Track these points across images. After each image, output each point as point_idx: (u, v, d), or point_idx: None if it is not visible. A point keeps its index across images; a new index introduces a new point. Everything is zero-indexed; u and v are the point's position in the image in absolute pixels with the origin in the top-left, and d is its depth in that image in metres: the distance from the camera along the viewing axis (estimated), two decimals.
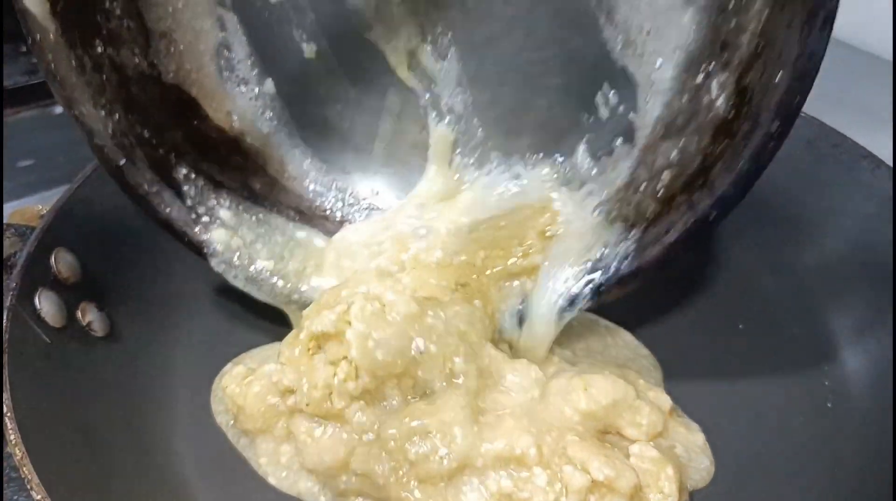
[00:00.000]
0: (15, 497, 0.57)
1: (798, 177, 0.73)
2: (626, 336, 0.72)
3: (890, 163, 0.68)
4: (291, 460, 0.61)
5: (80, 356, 0.59)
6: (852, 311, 0.68)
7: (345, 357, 0.56)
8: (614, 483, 0.54)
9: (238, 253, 0.65)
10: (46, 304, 0.58)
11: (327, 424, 0.59)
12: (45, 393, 0.54)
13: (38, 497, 0.46)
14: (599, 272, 0.61)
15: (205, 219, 0.65)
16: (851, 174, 0.70)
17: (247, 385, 0.61)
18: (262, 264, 0.66)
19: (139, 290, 0.67)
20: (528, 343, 0.65)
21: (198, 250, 0.65)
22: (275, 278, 0.66)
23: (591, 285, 0.61)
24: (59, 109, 0.97)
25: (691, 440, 0.63)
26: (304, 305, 0.63)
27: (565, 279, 0.62)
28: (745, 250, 0.75)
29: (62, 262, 0.61)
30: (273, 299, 0.66)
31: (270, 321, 0.68)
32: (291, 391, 0.58)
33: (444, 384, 0.59)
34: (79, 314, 0.61)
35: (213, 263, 0.65)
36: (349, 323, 0.57)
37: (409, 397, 0.59)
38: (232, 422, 0.63)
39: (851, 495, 0.58)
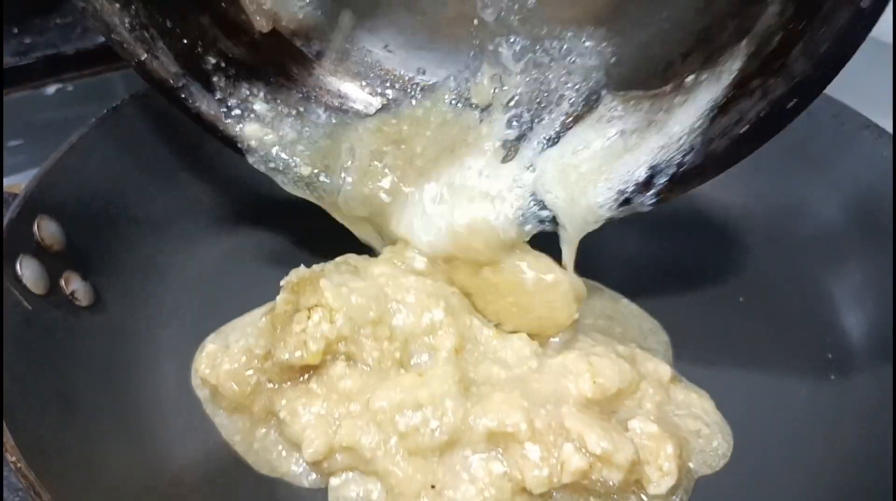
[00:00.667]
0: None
1: (798, 147, 0.71)
2: (631, 306, 0.71)
3: None
4: (268, 442, 0.60)
5: (63, 324, 0.58)
6: (852, 279, 0.67)
7: (319, 304, 0.56)
8: (612, 456, 0.53)
9: (276, 149, 0.62)
10: (28, 271, 0.57)
11: (310, 400, 0.57)
12: (25, 359, 0.53)
13: (13, 458, 0.44)
14: (661, 165, 0.54)
15: (237, 112, 0.61)
16: (852, 144, 0.69)
17: (218, 365, 0.59)
18: (304, 168, 0.62)
19: (124, 261, 0.66)
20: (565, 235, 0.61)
21: (232, 145, 0.62)
22: (322, 176, 0.62)
23: (652, 180, 0.54)
24: (49, 90, 0.97)
25: (701, 406, 0.62)
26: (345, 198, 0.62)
27: (626, 171, 0.56)
28: (745, 221, 0.74)
29: (45, 230, 0.60)
30: (318, 199, 0.64)
31: (255, 290, 0.67)
32: (269, 357, 0.58)
33: (429, 339, 0.58)
34: (62, 282, 0.60)
35: (251, 160, 0.62)
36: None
37: (391, 361, 0.58)
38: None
39: (853, 467, 0.57)
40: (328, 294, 0.57)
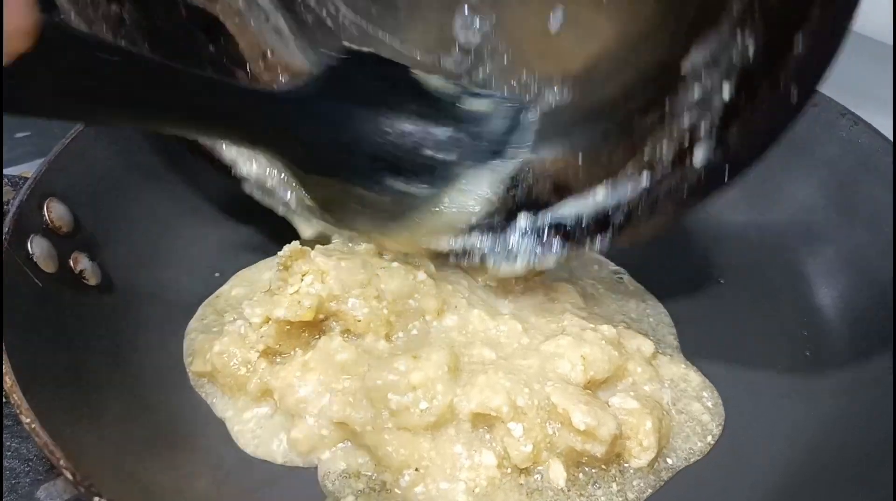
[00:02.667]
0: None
1: None
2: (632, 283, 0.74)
3: None
4: (257, 422, 0.62)
5: (73, 301, 0.60)
6: (826, 260, 0.70)
7: (310, 271, 0.60)
8: (595, 431, 0.56)
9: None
10: (38, 249, 0.59)
11: (305, 374, 0.60)
12: (37, 332, 0.55)
13: (27, 420, 0.47)
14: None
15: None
16: (830, 131, 0.72)
17: (209, 348, 0.62)
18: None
19: (131, 242, 0.68)
20: None
21: (226, 173, 0.67)
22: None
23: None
24: None
25: (688, 379, 0.65)
26: None
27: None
28: (725, 206, 0.76)
29: (54, 211, 0.62)
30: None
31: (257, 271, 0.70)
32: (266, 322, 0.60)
33: (414, 302, 0.61)
34: (71, 262, 0.62)
35: (246, 188, 0.67)
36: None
37: (381, 320, 0.61)
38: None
39: (827, 436, 0.60)
40: (319, 260, 0.61)
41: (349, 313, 0.60)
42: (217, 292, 0.70)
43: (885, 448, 0.53)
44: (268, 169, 0.67)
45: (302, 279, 0.60)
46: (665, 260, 0.74)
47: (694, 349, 0.68)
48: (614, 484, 0.57)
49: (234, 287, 0.71)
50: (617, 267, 0.76)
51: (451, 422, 0.58)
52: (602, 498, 0.56)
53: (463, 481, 0.56)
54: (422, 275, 0.63)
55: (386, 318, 0.61)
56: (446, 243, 0.65)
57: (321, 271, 0.60)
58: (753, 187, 0.75)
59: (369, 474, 0.57)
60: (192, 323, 0.67)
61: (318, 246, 0.64)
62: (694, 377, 0.65)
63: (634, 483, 0.57)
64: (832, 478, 0.56)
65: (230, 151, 0.67)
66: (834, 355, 0.65)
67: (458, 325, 0.64)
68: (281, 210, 0.69)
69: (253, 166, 0.67)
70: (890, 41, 0.91)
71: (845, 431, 0.59)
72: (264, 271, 0.72)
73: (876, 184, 0.67)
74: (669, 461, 0.59)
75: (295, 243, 0.62)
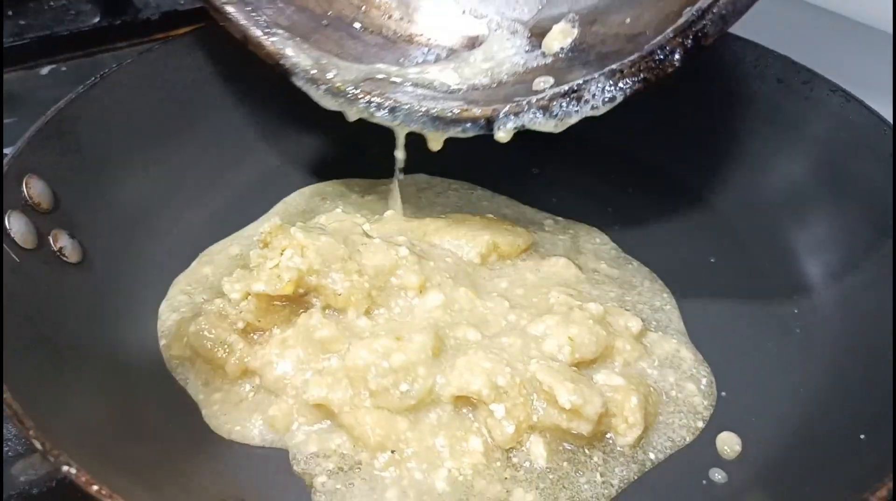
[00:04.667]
0: None
1: (771, 111, 0.74)
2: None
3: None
4: (229, 403, 0.60)
5: (52, 278, 0.60)
6: (816, 237, 0.70)
7: (291, 246, 0.60)
8: (581, 409, 0.55)
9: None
10: (17, 225, 0.59)
11: (285, 351, 0.59)
12: (12, 307, 0.54)
13: None
14: None
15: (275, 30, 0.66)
16: (820, 108, 0.71)
17: (186, 331, 0.61)
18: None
19: (111, 221, 0.67)
20: None
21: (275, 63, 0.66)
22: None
23: None
24: (44, 70, 0.99)
25: (680, 355, 0.64)
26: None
27: None
28: (718, 183, 0.76)
29: (34, 188, 0.62)
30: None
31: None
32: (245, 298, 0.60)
33: (396, 279, 0.61)
34: (51, 239, 0.61)
35: (295, 80, 0.66)
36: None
37: (362, 294, 0.60)
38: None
39: (817, 410, 0.59)
40: (299, 235, 0.60)
41: (329, 287, 0.59)
42: (186, 271, 0.69)
43: (875, 427, 0.53)
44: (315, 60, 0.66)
45: (282, 254, 0.59)
46: (658, 239, 0.74)
47: (687, 328, 0.67)
48: (598, 475, 0.56)
49: (204, 265, 0.70)
50: (615, 245, 0.74)
51: (432, 405, 0.57)
52: (585, 486, 0.55)
53: (447, 468, 0.55)
54: (403, 251, 0.63)
55: (367, 292, 0.60)
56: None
57: (301, 246, 0.60)
58: (744, 165, 0.75)
59: (344, 453, 0.56)
60: (164, 304, 0.66)
61: (298, 223, 0.64)
62: (686, 354, 0.64)
63: (616, 470, 0.56)
64: (822, 456, 0.55)
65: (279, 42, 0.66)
66: (824, 332, 0.64)
67: (443, 304, 0.63)
68: (326, 101, 0.66)
69: (301, 57, 0.66)
70: (890, 30, 0.90)
71: (835, 409, 0.58)
72: (231, 246, 0.71)
73: (867, 160, 0.67)
74: (658, 442, 0.58)
75: (275, 220, 0.62)
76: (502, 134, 0.62)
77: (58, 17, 1.01)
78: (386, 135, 0.67)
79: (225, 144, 0.78)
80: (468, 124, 0.63)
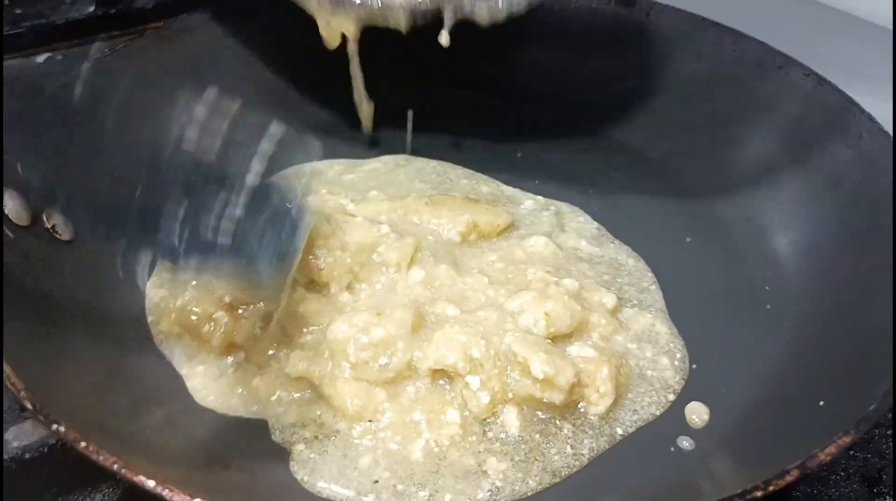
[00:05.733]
0: None
1: (746, 95, 0.76)
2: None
3: (891, 132, 0.68)
4: (212, 376, 0.62)
5: (44, 254, 0.62)
6: (788, 213, 0.71)
7: None
8: (553, 379, 0.57)
9: None
10: (11, 202, 0.61)
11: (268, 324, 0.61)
12: (9, 283, 0.56)
13: None
14: None
15: None
16: (794, 91, 0.73)
17: (174, 307, 0.63)
18: None
19: (104, 202, 0.69)
20: None
21: None
22: None
23: None
24: (40, 59, 1.01)
25: (655, 329, 0.66)
26: None
27: None
28: (692, 164, 0.78)
29: (27, 167, 0.64)
30: None
31: None
32: None
33: (378, 256, 0.64)
34: (44, 217, 0.63)
35: None
36: None
37: (344, 269, 0.62)
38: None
39: (784, 381, 0.61)
40: None
41: (312, 262, 0.61)
42: None
43: (833, 393, 0.54)
44: None
45: None
46: (636, 219, 0.76)
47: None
48: (568, 447, 0.58)
49: None
50: (598, 224, 0.76)
51: (410, 378, 0.59)
52: (556, 457, 0.57)
53: (424, 439, 0.57)
54: (385, 228, 0.64)
55: (349, 267, 0.62)
56: None
57: None
58: (717, 146, 0.77)
59: (322, 423, 0.58)
60: (150, 280, 0.67)
61: None
62: (662, 329, 0.66)
63: (586, 441, 0.58)
64: (784, 421, 0.57)
65: None
66: (792, 307, 0.66)
67: (424, 280, 0.65)
68: None
69: None
70: (890, 26, 0.91)
71: (798, 378, 0.60)
72: None
73: (837, 140, 0.68)
74: (628, 415, 0.60)
75: None
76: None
77: (53, 5, 1.01)
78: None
79: None
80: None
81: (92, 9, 1.01)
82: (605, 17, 0.84)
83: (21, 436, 0.55)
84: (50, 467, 0.55)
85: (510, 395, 0.58)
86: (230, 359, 0.62)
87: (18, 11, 1.02)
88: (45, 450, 0.55)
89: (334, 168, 0.81)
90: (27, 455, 0.54)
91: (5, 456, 0.54)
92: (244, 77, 0.80)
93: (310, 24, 0.73)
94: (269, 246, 0.57)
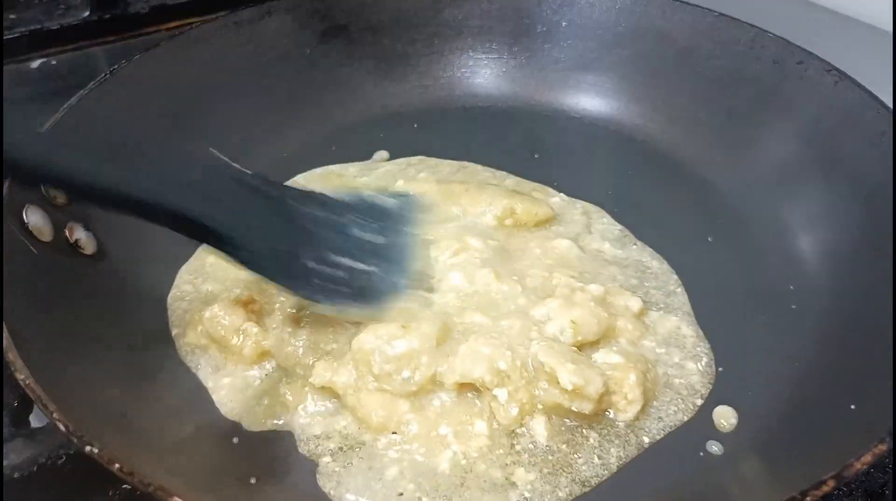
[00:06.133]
0: None
1: (766, 92, 0.75)
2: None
3: None
4: (238, 387, 0.62)
5: (68, 269, 0.62)
6: (810, 211, 0.71)
7: None
8: (583, 390, 0.57)
9: None
10: (34, 218, 0.61)
11: (297, 329, 0.62)
12: (33, 298, 0.57)
13: (22, 377, 0.49)
14: None
15: None
16: (814, 87, 0.72)
17: (200, 319, 0.63)
18: None
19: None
20: None
21: None
22: None
23: None
24: (34, 64, 1.00)
25: (681, 332, 0.65)
26: None
27: None
28: (713, 163, 0.78)
29: None
30: None
31: None
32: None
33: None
34: (66, 232, 0.64)
35: None
36: None
37: None
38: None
39: (811, 382, 0.61)
40: None
41: None
42: (191, 259, 0.71)
43: (865, 397, 0.54)
44: None
45: None
46: (657, 220, 0.75)
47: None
48: (596, 457, 0.57)
49: (208, 254, 0.70)
50: (623, 227, 0.75)
51: (434, 390, 0.58)
52: (584, 467, 0.57)
53: (452, 451, 0.57)
54: None
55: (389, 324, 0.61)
56: None
57: None
58: (737, 144, 0.76)
59: (347, 434, 0.58)
60: (172, 293, 0.68)
61: None
62: (687, 331, 0.65)
63: (612, 450, 0.58)
64: (814, 425, 0.56)
65: None
66: (818, 307, 0.65)
67: (458, 286, 0.64)
68: None
69: None
70: (890, 29, 0.91)
71: (827, 380, 0.60)
72: None
73: (858, 137, 0.68)
74: (654, 422, 0.60)
75: None
76: None
77: (48, 11, 1.02)
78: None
79: (232, 138, 0.80)
80: None
81: (87, 14, 1.01)
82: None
83: (10, 455, 0.57)
84: (39, 486, 0.56)
85: (539, 405, 0.58)
86: (256, 370, 0.62)
87: (13, 16, 1.01)
88: (35, 469, 0.57)
89: (349, 170, 0.81)
90: (16, 475, 0.56)
91: None
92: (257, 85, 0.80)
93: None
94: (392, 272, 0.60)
